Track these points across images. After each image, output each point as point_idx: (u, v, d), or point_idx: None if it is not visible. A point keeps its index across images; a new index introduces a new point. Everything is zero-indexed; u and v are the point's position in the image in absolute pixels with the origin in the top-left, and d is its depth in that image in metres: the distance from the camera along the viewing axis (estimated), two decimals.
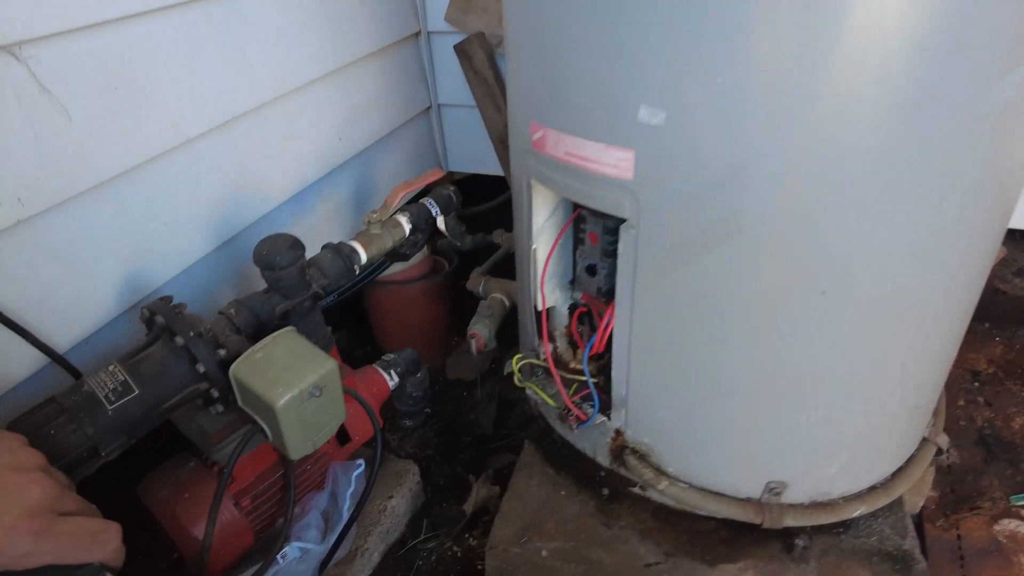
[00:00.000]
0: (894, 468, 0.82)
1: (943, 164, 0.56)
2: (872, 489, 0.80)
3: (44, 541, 0.42)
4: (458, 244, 1.23)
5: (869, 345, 0.66)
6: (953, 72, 0.51)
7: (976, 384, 1.12)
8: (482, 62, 1.25)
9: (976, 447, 1.01)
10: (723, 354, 0.67)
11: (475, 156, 1.46)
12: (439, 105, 1.44)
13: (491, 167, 1.44)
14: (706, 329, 0.66)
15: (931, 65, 0.50)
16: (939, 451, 0.87)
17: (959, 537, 0.88)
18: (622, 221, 0.65)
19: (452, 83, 1.37)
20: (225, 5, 0.86)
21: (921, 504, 0.91)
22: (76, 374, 0.73)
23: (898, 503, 0.83)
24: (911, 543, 0.78)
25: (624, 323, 0.70)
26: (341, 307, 1.29)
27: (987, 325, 1.26)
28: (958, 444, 1.02)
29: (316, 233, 1.13)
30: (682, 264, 0.63)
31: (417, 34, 1.30)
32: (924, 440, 0.87)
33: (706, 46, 0.52)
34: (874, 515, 0.81)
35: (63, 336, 0.74)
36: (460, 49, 1.26)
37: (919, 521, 0.90)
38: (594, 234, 0.73)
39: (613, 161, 0.61)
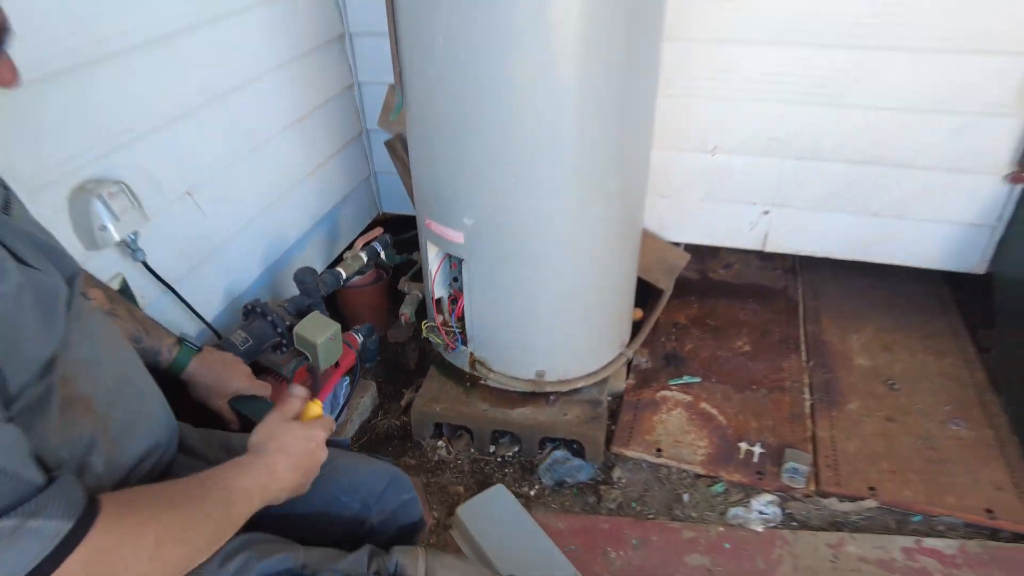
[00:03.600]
0: (603, 364, 1.76)
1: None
2: (591, 375, 1.74)
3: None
4: (392, 262, 2.09)
5: (585, 299, 1.59)
6: None
7: (675, 329, 2.09)
8: (402, 153, 2.12)
9: (662, 360, 1.97)
10: (513, 310, 1.58)
11: (401, 203, 2.33)
12: (375, 172, 2.30)
13: (411, 210, 2.31)
14: (501, 301, 1.57)
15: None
16: (629, 360, 1.83)
17: (638, 399, 1.83)
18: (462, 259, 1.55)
19: (385, 157, 2.24)
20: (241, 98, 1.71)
21: (623, 386, 1.86)
22: (218, 335, 1.56)
23: (603, 382, 1.76)
24: (603, 397, 1.72)
25: (468, 301, 1.60)
26: (327, 299, 2.14)
27: (693, 298, 2.24)
28: (655, 358, 1.98)
29: (311, 259, 1.97)
30: (485, 274, 1.54)
31: (360, 134, 2.16)
32: (621, 353, 1.82)
33: (487, 196, 1.42)
34: (590, 387, 1.75)
35: (208, 315, 1.58)
36: (388, 145, 2.11)
37: (622, 394, 1.85)
38: (455, 263, 1.62)
39: (456, 236, 1.51)
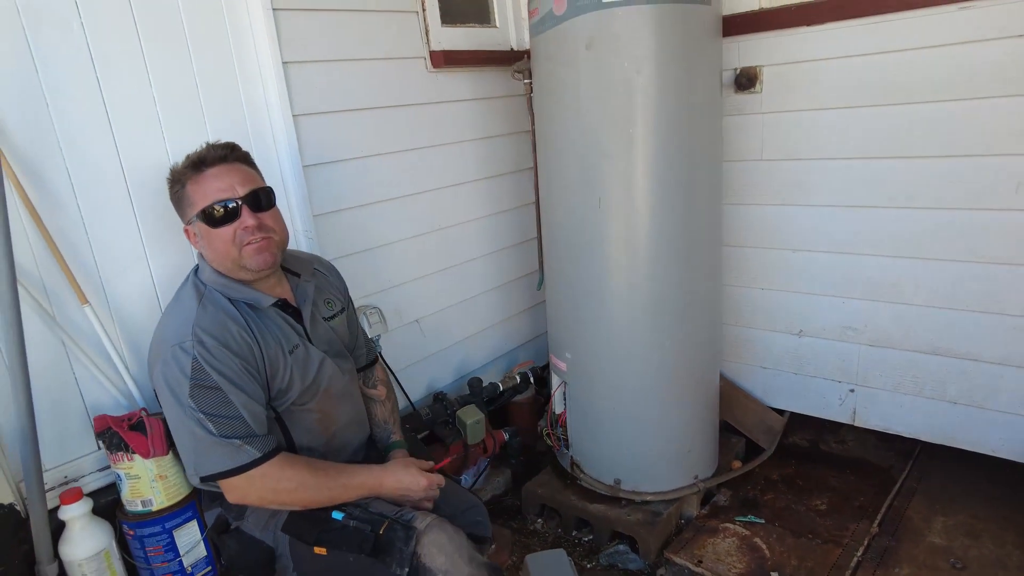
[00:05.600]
0: (672, 488, 2.21)
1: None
2: (658, 493, 2.20)
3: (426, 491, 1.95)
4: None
5: (652, 433, 2.15)
6: None
7: (763, 481, 2.41)
8: None
9: (738, 502, 2.31)
10: (596, 427, 2.20)
11: None
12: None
13: None
14: (588, 418, 2.21)
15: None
16: (700, 489, 2.24)
17: (703, 524, 2.21)
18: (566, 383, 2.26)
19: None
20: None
21: (695, 513, 2.26)
22: (414, 407, 2.47)
23: (671, 501, 2.20)
24: (666, 511, 2.16)
25: (569, 415, 2.27)
26: (499, 409, 2.97)
27: (794, 461, 2.52)
28: (734, 500, 2.33)
29: (490, 375, 2.84)
30: (579, 396, 2.21)
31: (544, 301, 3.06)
32: (694, 484, 2.24)
33: (580, 342, 2.16)
34: (659, 502, 2.20)
35: (413, 396, 2.51)
36: None
37: (692, 519, 2.25)
38: (563, 384, 2.33)
39: (562, 366, 2.24)
